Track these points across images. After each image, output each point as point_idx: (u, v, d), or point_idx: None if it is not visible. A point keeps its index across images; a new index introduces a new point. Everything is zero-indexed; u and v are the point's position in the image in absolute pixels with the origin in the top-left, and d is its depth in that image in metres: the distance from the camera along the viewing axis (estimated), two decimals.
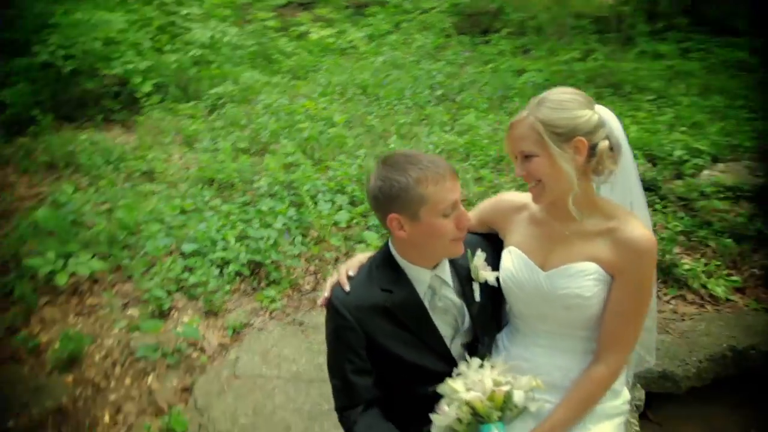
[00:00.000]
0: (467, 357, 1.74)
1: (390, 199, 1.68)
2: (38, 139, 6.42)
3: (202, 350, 3.25)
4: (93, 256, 3.80)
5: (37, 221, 4.14)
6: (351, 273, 1.81)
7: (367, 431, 1.75)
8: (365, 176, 4.39)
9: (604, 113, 1.67)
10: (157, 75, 7.31)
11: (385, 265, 1.80)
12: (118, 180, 5.26)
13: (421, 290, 1.79)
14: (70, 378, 3.03)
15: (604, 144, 1.64)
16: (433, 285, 1.80)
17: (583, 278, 1.67)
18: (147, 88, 7.12)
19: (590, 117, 1.64)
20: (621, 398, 1.79)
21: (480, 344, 1.84)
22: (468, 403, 1.59)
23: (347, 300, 1.76)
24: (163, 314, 3.50)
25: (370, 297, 1.76)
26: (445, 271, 1.82)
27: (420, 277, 1.79)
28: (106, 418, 2.79)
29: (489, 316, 1.89)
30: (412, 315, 1.77)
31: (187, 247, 3.87)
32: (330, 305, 1.79)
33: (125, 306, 3.57)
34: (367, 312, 1.75)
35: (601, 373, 1.66)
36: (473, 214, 1.93)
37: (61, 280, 3.63)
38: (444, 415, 1.63)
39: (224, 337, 3.19)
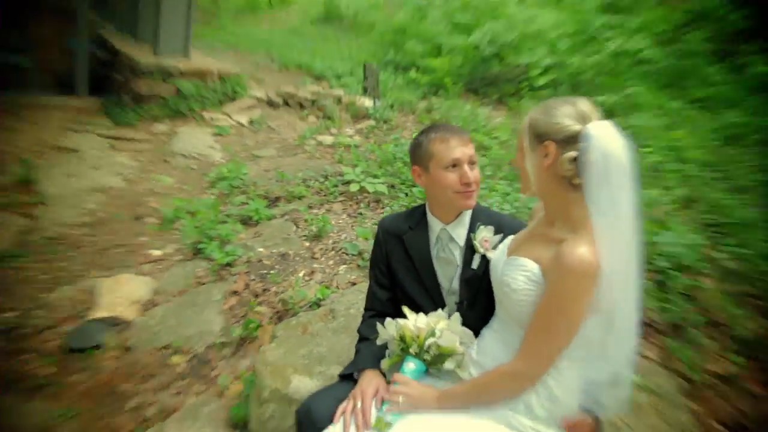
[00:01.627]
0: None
1: (412, 154, 2.00)
2: (442, 102, 7.89)
3: (362, 257, 3.66)
4: (385, 184, 4.65)
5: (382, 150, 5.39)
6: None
7: (365, 330, 2.07)
8: None
9: (595, 130, 1.49)
10: (557, 73, 7.81)
11: (419, 209, 2.09)
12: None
13: (433, 238, 2.02)
14: (307, 244, 3.89)
15: (568, 154, 1.55)
16: (442, 237, 2.01)
17: (519, 271, 1.65)
18: (541, 81, 7.72)
19: (568, 127, 1.55)
20: (532, 420, 1.61)
21: (461, 309, 1.94)
22: (402, 328, 1.81)
23: (384, 222, 2.13)
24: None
25: (397, 227, 2.08)
26: (458, 232, 2.01)
27: (434, 226, 2.02)
28: (301, 274, 3.51)
29: (475, 288, 1.95)
30: (418, 253, 2.03)
31: None
32: (378, 228, 2.16)
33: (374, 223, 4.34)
34: (391, 237, 2.08)
35: (506, 368, 1.63)
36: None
37: (354, 187, 4.53)
38: (386, 329, 1.86)
39: None
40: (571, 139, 1.55)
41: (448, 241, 2.02)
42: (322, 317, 2.83)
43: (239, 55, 10.48)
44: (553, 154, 1.58)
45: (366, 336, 2.04)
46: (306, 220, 4.17)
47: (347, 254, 3.67)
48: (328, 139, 6.73)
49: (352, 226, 4.14)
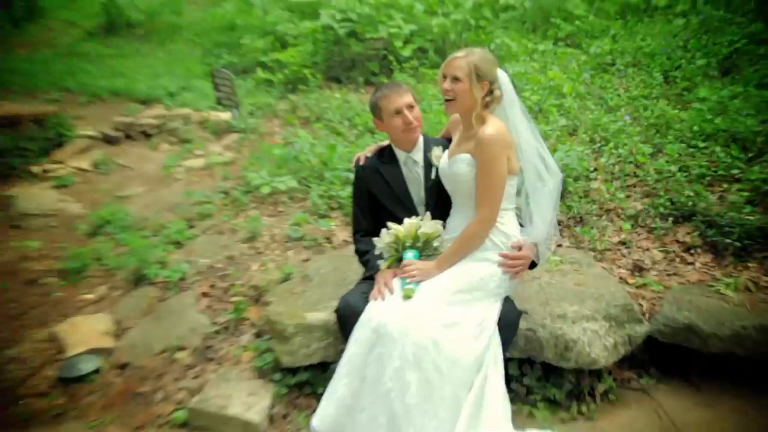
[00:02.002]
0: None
1: (372, 111, 3.61)
2: (306, 96, 9.59)
3: (330, 241, 5.42)
4: (294, 179, 6.44)
5: (271, 153, 7.12)
6: (370, 152, 3.79)
7: (363, 246, 3.66)
8: None
9: (501, 75, 3.34)
10: (421, 40, 9.84)
11: (386, 148, 3.71)
12: (349, 133, 7.84)
13: (401, 164, 3.63)
14: (246, 245, 5.60)
15: (498, 92, 3.32)
16: (407, 162, 3.63)
17: (460, 163, 3.29)
18: (407, 52, 9.66)
19: (496, 73, 3.31)
20: (496, 252, 3.35)
21: (429, 209, 3.54)
22: (396, 231, 3.37)
23: (360, 163, 3.71)
24: (321, 217, 5.84)
25: (373, 163, 3.66)
26: (417, 156, 3.63)
27: (401, 156, 3.64)
28: (255, 267, 5.19)
29: (436, 192, 3.57)
30: (394, 176, 3.61)
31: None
32: (355, 167, 3.75)
33: (304, 211, 6.03)
34: (369, 171, 3.64)
35: (473, 223, 3.27)
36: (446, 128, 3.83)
37: (265, 189, 6.25)
38: (381, 239, 3.43)
39: (349, 237, 4.97)
40: (495, 80, 3.30)
41: (412, 164, 3.62)
42: (300, 283, 4.53)
43: (27, 93, 11.13)
44: (486, 88, 3.28)
45: (364, 250, 3.70)
46: (233, 229, 5.80)
47: (290, 241, 5.39)
48: (197, 162, 8.15)
49: (279, 222, 5.83)
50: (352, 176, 4.07)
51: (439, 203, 3.60)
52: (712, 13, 8.35)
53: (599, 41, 8.93)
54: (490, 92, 3.32)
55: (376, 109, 3.57)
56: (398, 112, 3.47)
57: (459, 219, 3.46)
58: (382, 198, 3.64)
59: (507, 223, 3.41)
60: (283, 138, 8.06)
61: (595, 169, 5.71)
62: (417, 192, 3.63)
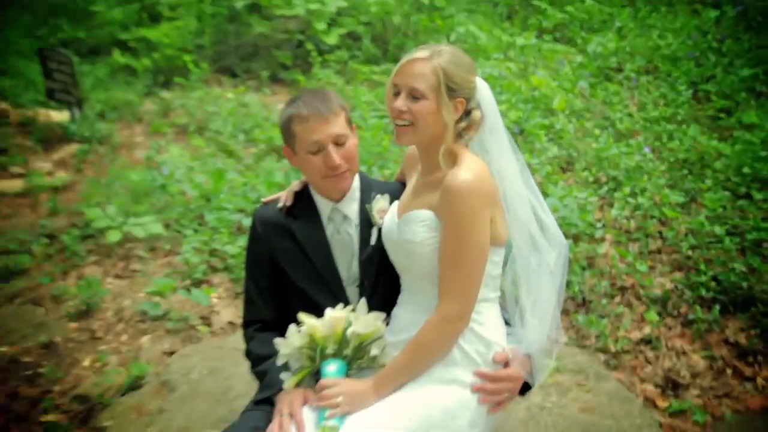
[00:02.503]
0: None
1: (281, 129, 3.13)
2: (184, 95, 9.17)
3: (208, 323, 4.94)
4: (159, 221, 5.89)
5: (127, 178, 6.62)
6: (285, 196, 3.25)
7: (260, 348, 3.11)
8: None
9: (481, 85, 2.95)
10: (353, 22, 9.55)
11: (302, 192, 3.21)
12: (245, 152, 7.46)
13: (324, 220, 3.17)
14: (75, 325, 5.02)
15: (477, 114, 2.92)
16: (334, 217, 3.17)
17: (417, 224, 2.86)
18: (332, 39, 9.30)
19: (475, 83, 2.91)
20: (469, 369, 2.87)
21: (365, 294, 3.07)
22: (311, 329, 2.81)
23: (260, 213, 3.21)
24: (195, 285, 5.38)
25: (280, 217, 3.17)
26: (350, 208, 3.17)
27: (323, 207, 3.17)
28: (86, 362, 4.61)
29: (376, 267, 3.12)
30: (311, 239, 3.15)
31: (246, 222, 5.56)
32: (253, 218, 3.22)
33: (170, 274, 5.55)
34: (273, 228, 3.16)
35: (433, 318, 2.79)
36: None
37: (114, 236, 5.70)
38: (287, 341, 2.87)
39: (239, 317, 4.58)
40: (473, 95, 2.88)
41: (341, 221, 3.17)
42: (156, 393, 3.95)
43: None
44: (462, 109, 2.85)
45: (262, 354, 3.15)
46: (56, 296, 5.18)
47: (146, 320, 4.83)
48: (13, 185, 7.60)
49: (132, 287, 5.27)
50: (248, 223, 3.66)
51: (381, 284, 3.16)
52: (756, 4, 8.28)
53: (600, 36, 8.85)
54: (467, 114, 2.95)
55: (287, 134, 3.15)
56: (319, 148, 3.06)
57: (411, 312, 3.02)
58: (293, 273, 3.18)
59: (487, 322, 2.98)
60: (147, 156, 7.52)
61: (603, 225, 5.39)
62: (346, 264, 3.21)
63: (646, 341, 4.60)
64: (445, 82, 2.85)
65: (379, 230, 3.17)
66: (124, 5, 11.39)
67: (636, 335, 4.64)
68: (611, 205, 5.66)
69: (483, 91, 3.01)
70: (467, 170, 2.81)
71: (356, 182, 3.23)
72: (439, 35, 8.81)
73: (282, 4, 9.60)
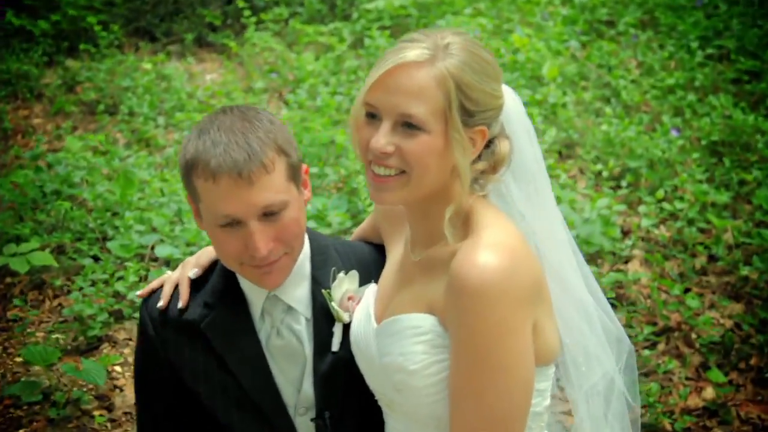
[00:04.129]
0: None
1: (180, 172, 2.15)
2: (92, 63, 8.16)
3: (108, 409, 3.96)
4: (46, 247, 4.83)
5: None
6: (193, 272, 2.32)
7: None
8: None
9: (509, 99, 2.05)
10: None
11: (222, 271, 2.28)
12: (165, 139, 6.58)
13: (255, 315, 2.24)
14: None
15: (504, 146, 2.00)
16: (269, 310, 2.24)
17: (411, 339, 1.94)
18: None
19: (503, 99, 2.01)
20: None
21: (324, 427, 2.23)
22: None
23: (151, 305, 2.28)
24: (90, 345, 4.37)
25: (187, 311, 2.25)
26: (295, 294, 2.25)
27: (253, 295, 2.24)
28: None
29: (341, 384, 2.24)
30: (236, 349, 2.23)
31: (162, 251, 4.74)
32: (140, 313, 2.34)
33: (62, 323, 4.57)
34: (176, 331, 2.25)
35: None
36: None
37: None
38: None
39: None
40: (497, 116, 1.98)
41: (282, 314, 2.26)
42: None
43: None
44: (481, 143, 1.94)
45: None
46: None
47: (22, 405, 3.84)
48: None
49: (7, 348, 4.28)
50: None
51: (350, 414, 2.34)
52: None
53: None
54: (487, 146, 2.06)
55: (187, 183, 2.19)
56: (232, 222, 2.10)
57: None
58: (210, 401, 2.31)
59: None
60: (33, 153, 6.47)
61: (625, 234, 4.68)
62: (293, 382, 2.32)
63: (711, 411, 3.72)
64: (458, 100, 1.92)
65: (345, 327, 2.27)
66: None
67: (695, 401, 3.76)
68: (635, 210, 4.87)
69: (511, 107, 2.10)
70: (490, 248, 1.87)
71: (305, 249, 2.31)
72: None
73: None
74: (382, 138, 1.93)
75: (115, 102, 7.41)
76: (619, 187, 5.04)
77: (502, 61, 6.49)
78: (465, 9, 7.78)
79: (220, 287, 2.27)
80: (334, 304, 2.20)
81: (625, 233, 4.80)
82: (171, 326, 2.25)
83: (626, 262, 4.56)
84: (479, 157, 2.00)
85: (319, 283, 2.25)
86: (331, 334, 2.23)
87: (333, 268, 2.27)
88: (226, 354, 2.22)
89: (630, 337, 3.73)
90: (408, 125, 1.92)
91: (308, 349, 2.24)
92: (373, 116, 1.99)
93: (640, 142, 5.29)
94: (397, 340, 1.95)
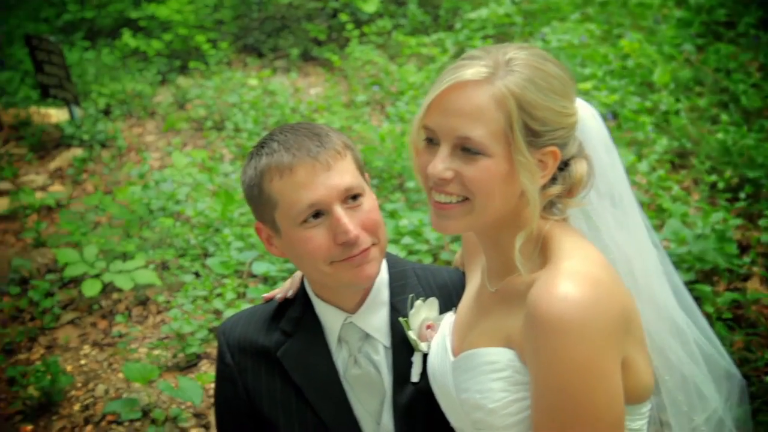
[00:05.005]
0: None
1: (248, 201, 2.15)
2: (201, 81, 8.33)
3: (206, 427, 3.93)
4: (151, 263, 4.92)
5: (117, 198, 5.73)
6: (290, 292, 2.32)
7: None
8: None
9: (584, 113, 1.97)
10: None
11: (301, 299, 2.27)
12: None
13: (332, 342, 2.21)
14: (29, 427, 3.99)
15: (580, 167, 1.92)
16: (348, 338, 2.21)
17: (488, 375, 1.87)
18: (371, 7, 8.49)
19: (575, 117, 1.92)
20: None
21: None
22: None
23: (229, 332, 2.29)
24: (189, 362, 4.39)
25: (258, 337, 2.25)
26: (373, 321, 2.20)
27: (330, 320, 2.21)
28: None
29: (421, 416, 2.18)
30: (311, 377, 2.20)
31: (259, 268, 4.72)
32: (218, 340, 2.31)
33: (163, 339, 4.64)
34: (253, 358, 2.24)
35: None
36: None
37: (90, 288, 4.67)
38: None
39: None
40: (571, 136, 1.92)
41: (360, 342, 2.22)
42: None
43: None
44: (553, 165, 1.87)
45: None
46: (11, 379, 4.21)
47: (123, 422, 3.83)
48: None
49: (110, 365, 4.25)
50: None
51: None
52: None
53: None
54: (562, 168, 1.99)
55: (258, 202, 2.16)
56: (319, 213, 2.07)
57: None
58: (289, 428, 2.26)
59: None
60: (140, 172, 6.65)
61: (744, 249, 4.38)
62: (372, 412, 2.28)
63: None
64: (521, 120, 1.85)
65: (425, 356, 2.22)
66: None
67: None
68: (750, 220, 4.61)
69: (588, 123, 2.02)
70: (570, 277, 1.78)
71: (383, 274, 2.27)
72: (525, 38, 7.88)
73: None
74: (440, 164, 1.88)
75: (222, 118, 7.55)
76: (736, 199, 4.76)
77: (610, 68, 6.33)
78: (572, 15, 7.61)
79: (297, 314, 2.25)
80: (411, 333, 2.16)
81: (744, 249, 4.49)
82: (248, 354, 2.25)
83: (744, 280, 4.27)
84: (553, 179, 1.94)
85: (398, 311, 2.22)
86: (410, 364, 2.20)
87: (411, 295, 2.22)
88: (304, 385, 2.21)
89: (749, 362, 3.65)
90: (467, 149, 1.86)
91: (387, 379, 2.21)
92: (431, 140, 1.95)
93: (761, 150, 4.98)
94: (474, 376, 1.90)
